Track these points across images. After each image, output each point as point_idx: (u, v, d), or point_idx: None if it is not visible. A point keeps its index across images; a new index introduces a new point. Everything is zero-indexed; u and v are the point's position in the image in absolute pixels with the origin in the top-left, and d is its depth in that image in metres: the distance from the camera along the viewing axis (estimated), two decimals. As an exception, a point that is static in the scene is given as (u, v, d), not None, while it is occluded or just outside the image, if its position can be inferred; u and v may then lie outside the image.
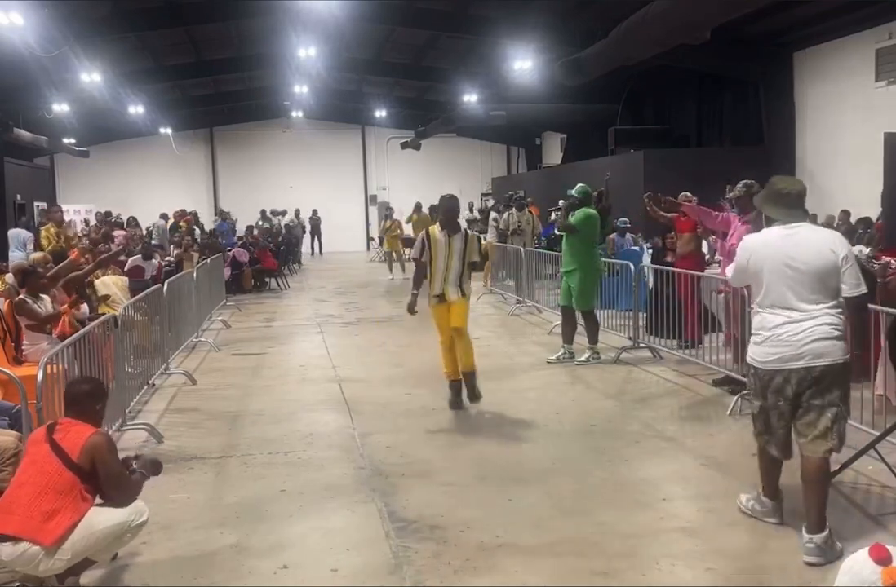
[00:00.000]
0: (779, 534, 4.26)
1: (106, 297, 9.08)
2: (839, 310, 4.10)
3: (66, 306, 7.28)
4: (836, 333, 4.04)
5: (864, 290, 4.12)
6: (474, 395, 6.90)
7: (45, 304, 7.15)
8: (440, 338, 7.03)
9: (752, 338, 4.25)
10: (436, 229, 6.95)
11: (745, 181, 7.01)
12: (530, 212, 16.27)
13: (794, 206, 4.20)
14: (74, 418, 3.84)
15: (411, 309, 7.03)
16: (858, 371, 5.34)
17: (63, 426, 3.78)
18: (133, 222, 20.71)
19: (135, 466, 3.99)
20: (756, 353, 4.19)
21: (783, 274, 4.06)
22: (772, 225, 4.27)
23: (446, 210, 7.05)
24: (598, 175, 18.25)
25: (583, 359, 8.66)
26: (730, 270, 4.54)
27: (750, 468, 5.27)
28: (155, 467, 4.07)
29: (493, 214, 18.29)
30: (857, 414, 5.73)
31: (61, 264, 8.02)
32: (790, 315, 4.05)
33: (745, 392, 5.85)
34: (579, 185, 9.03)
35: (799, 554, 4.00)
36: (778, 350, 4.06)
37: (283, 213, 25.91)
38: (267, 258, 17.67)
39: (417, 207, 19.67)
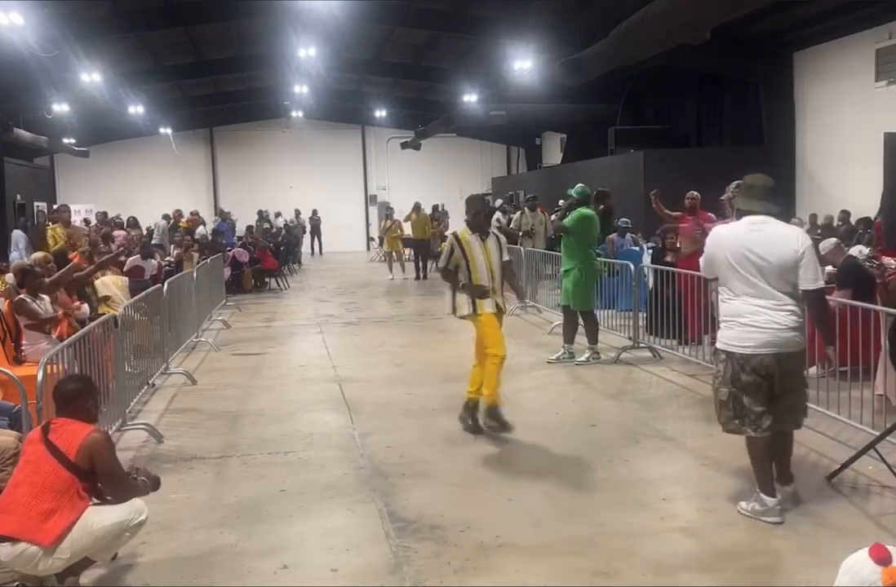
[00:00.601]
0: (779, 534, 4.25)
1: (106, 298, 9.08)
2: (798, 301, 4.38)
3: (62, 313, 7.27)
4: (799, 324, 4.38)
5: (821, 284, 4.39)
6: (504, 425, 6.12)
7: (45, 304, 7.15)
8: (497, 352, 6.07)
9: (725, 325, 4.46)
10: (465, 233, 6.27)
11: (737, 182, 7.02)
12: (542, 212, 16.23)
13: (760, 198, 4.46)
14: (68, 417, 3.83)
15: (484, 293, 6.10)
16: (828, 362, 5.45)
17: (57, 426, 3.77)
18: (133, 222, 20.72)
19: (135, 476, 3.98)
20: (732, 338, 4.40)
21: (747, 265, 4.31)
22: (742, 218, 4.51)
23: (477, 211, 6.35)
24: (599, 175, 18.27)
25: (583, 359, 8.67)
26: (703, 260, 4.75)
27: (750, 468, 5.28)
28: (155, 482, 4.07)
29: (497, 215, 18.27)
30: (857, 413, 5.75)
31: (64, 269, 8.00)
32: (760, 303, 4.31)
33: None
34: (578, 185, 9.03)
35: (799, 553, 4.01)
36: (755, 336, 4.31)
37: (278, 214, 26.02)
38: (267, 258, 17.68)
39: (416, 207, 19.68)
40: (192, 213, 21.80)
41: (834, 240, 8.45)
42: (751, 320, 4.31)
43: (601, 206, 15.50)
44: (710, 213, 9.08)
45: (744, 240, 4.35)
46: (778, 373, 4.36)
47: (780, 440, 4.55)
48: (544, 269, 13.36)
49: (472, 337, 6.40)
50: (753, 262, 4.29)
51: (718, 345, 4.52)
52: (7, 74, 16.04)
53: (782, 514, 4.39)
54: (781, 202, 4.86)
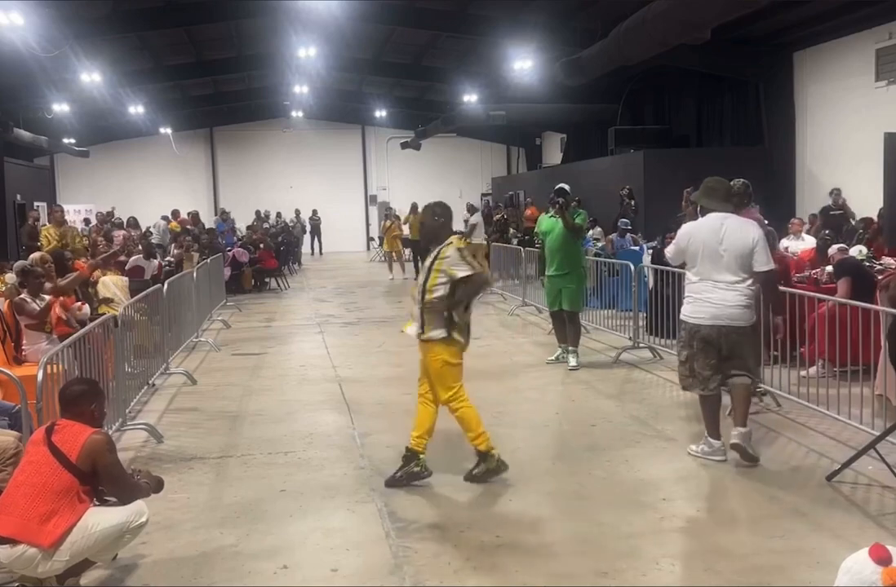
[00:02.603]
0: (778, 534, 4.26)
1: (108, 301, 9.05)
2: (751, 283, 5.25)
3: (51, 298, 7.26)
4: (748, 302, 5.25)
5: (771, 266, 5.33)
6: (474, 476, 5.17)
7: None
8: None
9: (686, 300, 5.40)
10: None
11: (742, 180, 7.05)
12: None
13: (723, 200, 5.40)
14: (72, 419, 3.83)
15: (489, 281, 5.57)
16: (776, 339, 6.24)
17: (61, 427, 3.76)
18: (133, 222, 20.72)
19: (138, 478, 3.99)
20: (689, 311, 5.35)
21: (713, 253, 5.20)
22: (706, 214, 5.41)
23: (422, 220, 5.53)
24: (599, 175, 18.28)
25: (574, 364, 8.44)
26: (669, 251, 5.64)
27: (751, 466, 5.28)
28: (157, 484, 4.07)
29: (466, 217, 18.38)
30: (857, 413, 5.75)
31: (69, 279, 7.98)
32: (717, 285, 5.21)
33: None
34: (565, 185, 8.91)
35: (799, 553, 4.01)
36: (705, 309, 5.24)
37: (278, 214, 26.09)
38: (269, 258, 17.69)
39: (414, 208, 19.71)
40: (189, 214, 21.78)
41: (838, 245, 8.59)
42: (705, 297, 5.23)
43: (632, 201, 15.53)
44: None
45: (715, 232, 5.24)
46: (723, 341, 5.23)
47: (736, 393, 5.42)
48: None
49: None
50: (721, 249, 5.18)
51: (682, 315, 5.43)
52: (7, 74, 16.04)
53: (726, 454, 5.33)
54: (737, 202, 5.83)
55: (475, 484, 5.12)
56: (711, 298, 5.20)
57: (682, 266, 5.64)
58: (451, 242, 5.11)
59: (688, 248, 5.33)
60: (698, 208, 5.65)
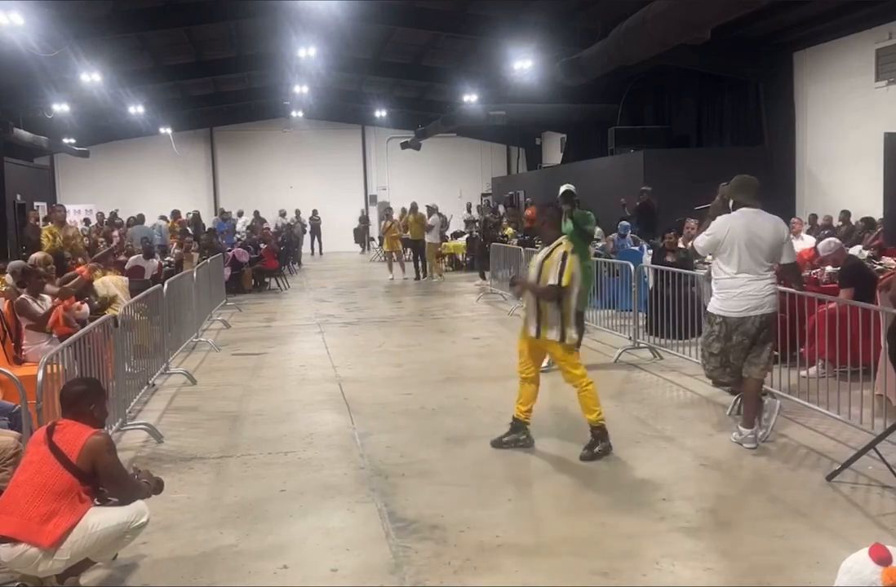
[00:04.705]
0: (779, 534, 4.26)
1: (114, 299, 8.98)
2: (773, 271, 5.65)
3: (57, 299, 7.26)
4: (775, 290, 5.65)
5: (794, 258, 5.86)
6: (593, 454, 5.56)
7: (47, 305, 7.14)
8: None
9: (721, 295, 5.62)
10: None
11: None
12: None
13: (753, 197, 5.71)
14: (72, 419, 3.83)
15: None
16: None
17: (62, 427, 3.76)
18: (133, 222, 20.70)
19: (138, 478, 3.98)
20: (728, 306, 5.58)
21: (752, 245, 5.50)
22: (737, 208, 5.68)
23: (545, 213, 5.84)
24: (599, 175, 18.29)
25: None
26: (701, 241, 5.80)
27: (751, 466, 5.28)
28: (158, 485, 4.06)
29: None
30: (857, 413, 5.75)
31: (73, 282, 7.98)
32: (752, 277, 5.52)
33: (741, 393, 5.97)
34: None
35: (799, 553, 4.01)
36: (746, 302, 5.53)
37: (283, 213, 26.11)
38: (270, 258, 17.69)
39: (413, 208, 19.70)
40: (188, 214, 21.80)
41: (830, 239, 8.54)
42: (744, 291, 5.51)
43: (637, 204, 15.46)
44: None
45: (753, 226, 5.54)
46: (759, 329, 5.53)
47: (750, 387, 5.72)
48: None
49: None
50: (757, 243, 5.48)
51: (714, 310, 5.64)
52: (7, 74, 16.04)
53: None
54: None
55: (481, 482, 5.13)
56: (749, 291, 5.50)
57: (687, 263, 5.77)
58: (561, 243, 5.60)
59: (725, 239, 5.54)
60: (731, 203, 5.87)
